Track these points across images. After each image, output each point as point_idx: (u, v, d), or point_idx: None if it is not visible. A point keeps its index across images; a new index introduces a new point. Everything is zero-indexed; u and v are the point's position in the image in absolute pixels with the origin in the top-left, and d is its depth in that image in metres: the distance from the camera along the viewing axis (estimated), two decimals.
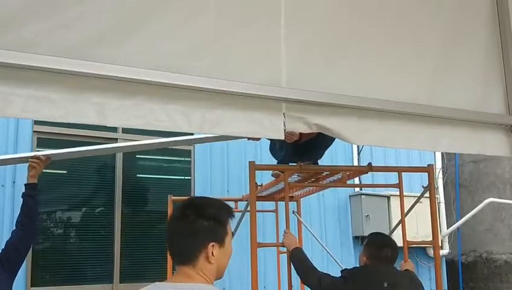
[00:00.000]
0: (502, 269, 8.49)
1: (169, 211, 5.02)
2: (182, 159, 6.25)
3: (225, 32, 2.30)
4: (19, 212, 3.15)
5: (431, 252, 7.66)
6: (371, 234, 3.45)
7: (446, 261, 8.05)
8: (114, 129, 5.67)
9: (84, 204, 5.74)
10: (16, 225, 3.12)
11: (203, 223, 1.63)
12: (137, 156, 6.05)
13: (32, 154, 3.52)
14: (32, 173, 3.23)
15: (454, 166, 9.28)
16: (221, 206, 1.73)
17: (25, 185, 3.20)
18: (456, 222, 8.30)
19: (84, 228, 5.68)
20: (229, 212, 1.75)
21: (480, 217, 8.48)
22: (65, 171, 5.60)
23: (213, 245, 1.63)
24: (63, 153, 3.97)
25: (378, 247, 3.17)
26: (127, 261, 5.61)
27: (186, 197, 5.50)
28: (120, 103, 2.07)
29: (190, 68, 2.16)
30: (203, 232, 1.63)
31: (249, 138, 4.07)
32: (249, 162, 3.41)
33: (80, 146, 5.42)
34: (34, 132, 5.35)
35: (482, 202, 8.25)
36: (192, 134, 5.81)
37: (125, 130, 5.74)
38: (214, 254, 1.62)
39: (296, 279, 3.48)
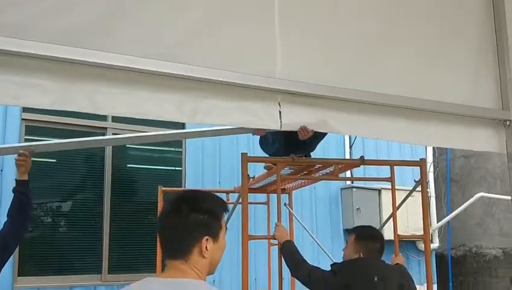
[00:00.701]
0: (491, 264, 8.54)
1: (160, 202, 4.99)
2: (173, 149, 6.21)
3: (219, 21, 2.27)
4: (10, 205, 3.09)
5: (421, 245, 7.68)
6: (357, 226, 3.45)
7: (436, 255, 8.09)
8: (103, 118, 5.61)
9: (73, 193, 5.68)
10: (7, 217, 3.07)
11: (197, 217, 1.59)
12: (127, 145, 5.99)
13: (19, 145, 3.44)
14: (22, 170, 3.13)
15: (445, 160, 9.31)
16: (216, 200, 1.70)
17: (17, 181, 3.13)
18: (447, 216, 8.33)
19: (73, 218, 5.62)
20: (224, 207, 1.72)
21: (470, 212, 8.52)
22: (54, 160, 5.54)
23: (207, 239, 1.60)
24: (51, 144, 3.91)
25: (370, 239, 3.16)
26: (115, 252, 5.58)
27: (177, 188, 5.50)
28: (111, 91, 2.03)
29: (183, 57, 2.13)
30: (198, 226, 1.59)
31: (253, 133, 4.02)
32: (242, 154, 3.37)
33: (68, 134, 5.40)
34: (22, 119, 5.27)
35: (472, 196, 8.29)
36: (183, 123, 5.80)
37: (115, 119, 5.68)
38: (207, 249, 1.59)
39: (286, 271, 3.47)
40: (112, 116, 5.65)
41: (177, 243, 1.58)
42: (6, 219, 3.05)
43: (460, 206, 8.30)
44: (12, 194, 3.10)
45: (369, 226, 3.55)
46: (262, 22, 2.36)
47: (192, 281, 1.54)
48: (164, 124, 5.81)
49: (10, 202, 3.08)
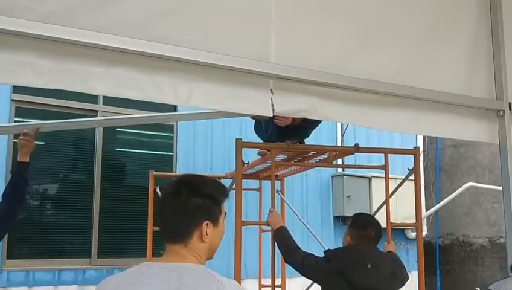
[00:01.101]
0: (477, 253, 8.63)
1: (151, 186, 4.97)
2: (164, 134, 6.18)
3: (214, 4, 2.23)
4: (6, 186, 3.01)
5: (409, 234, 7.76)
6: (355, 214, 3.44)
7: (424, 244, 8.15)
8: (94, 100, 5.57)
9: (63, 177, 5.66)
10: (1, 198, 2.99)
11: (198, 201, 1.58)
12: (118, 129, 5.95)
13: (16, 125, 3.35)
14: (24, 150, 2.97)
15: (435, 150, 9.36)
16: (216, 185, 1.70)
17: (17, 162, 2.99)
18: (435, 205, 8.39)
19: (63, 201, 5.59)
20: (224, 192, 1.72)
21: (458, 201, 8.58)
22: (43, 143, 5.49)
23: (207, 224, 1.59)
24: (44, 124, 3.85)
25: (361, 226, 3.16)
26: (105, 236, 5.56)
27: (168, 173, 5.48)
28: (106, 72, 2.00)
29: (177, 39, 2.09)
30: (198, 210, 1.59)
31: (251, 117, 3.97)
32: (236, 139, 3.35)
33: (59, 116, 5.35)
34: (12, 100, 5.21)
35: (461, 186, 8.34)
36: (175, 107, 5.76)
37: (106, 102, 5.63)
38: (207, 233, 1.58)
39: (278, 257, 3.48)
40: (103, 99, 5.60)
41: (178, 227, 1.58)
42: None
43: (448, 195, 8.36)
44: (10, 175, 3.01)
45: (365, 213, 3.55)
46: (259, 7, 2.33)
47: (192, 265, 1.54)
48: (155, 108, 5.78)
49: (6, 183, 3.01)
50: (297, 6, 2.42)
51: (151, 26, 2.07)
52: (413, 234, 7.70)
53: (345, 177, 7.04)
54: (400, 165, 6.50)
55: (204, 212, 1.59)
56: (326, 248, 3.37)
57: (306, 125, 3.70)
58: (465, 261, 8.76)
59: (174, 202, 1.59)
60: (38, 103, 5.32)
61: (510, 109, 2.83)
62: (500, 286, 1.66)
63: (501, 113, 2.83)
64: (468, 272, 8.71)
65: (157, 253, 3.69)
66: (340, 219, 7.14)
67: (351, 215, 6.84)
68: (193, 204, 1.58)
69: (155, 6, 2.10)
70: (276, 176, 4.83)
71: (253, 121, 4.19)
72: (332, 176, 7.17)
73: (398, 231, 7.42)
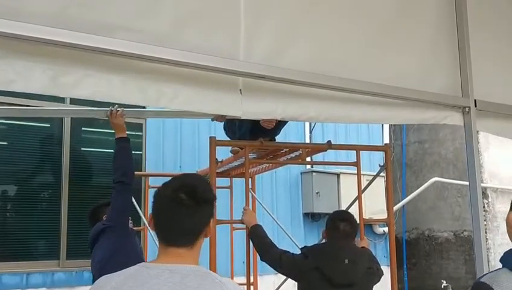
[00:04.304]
0: (442, 246, 8.83)
1: None
2: (133, 133, 6.11)
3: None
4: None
5: (377, 229, 7.87)
6: (333, 211, 3.47)
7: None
8: (62, 100, 5.46)
9: (29, 177, 5.52)
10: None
11: (208, 207, 1.59)
12: (85, 128, 5.86)
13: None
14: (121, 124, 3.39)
15: (400, 146, 9.52)
16: (209, 185, 1.73)
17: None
18: (401, 200, 8.54)
19: (29, 202, 5.46)
20: None
21: (423, 196, 8.76)
22: (5, 143, 5.37)
23: (211, 221, 1.62)
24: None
25: (337, 221, 3.18)
26: (74, 237, 5.46)
27: (138, 173, 5.41)
28: (73, 72, 1.96)
29: (144, 35, 2.04)
30: (209, 215, 1.60)
31: (212, 119, 3.98)
32: (210, 137, 3.34)
33: (26, 117, 5.24)
34: None
35: (426, 181, 8.52)
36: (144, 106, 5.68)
37: (73, 102, 5.53)
38: (208, 233, 1.61)
39: (250, 255, 3.49)
40: (70, 99, 5.50)
41: (187, 234, 1.56)
42: None
43: (414, 190, 8.53)
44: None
45: (343, 210, 3.57)
46: (227, 3, 2.32)
47: (193, 266, 1.52)
48: (123, 107, 5.69)
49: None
50: (266, 2, 2.41)
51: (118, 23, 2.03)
52: (380, 229, 7.82)
53: (314, 173, 7.09)
54: (368, 161, 6.60)
55: (211, 215, 1.61)
56: (296, 245, 3.39)
57: (278, 122, 3.72)
58: (431, 255, 8.96)
59: (184, 212, 1.55)
60: (3, 103, 5.18)
61: (475, 106, 2.90)
62: (491, 278, 1.69)
63: (467, 110, 2.90)
64: (433, 265, 8.91)
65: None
66: (309, 216, 7.19)
67: (320, 211, 7.00)
68: (206, 213, 1.59)
69: (124, 3, 2.06)
70: None
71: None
72: (301, 173, 7.22)
73: (366, 226, 7.51)
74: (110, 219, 3.29)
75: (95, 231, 3.40)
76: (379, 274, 3.23)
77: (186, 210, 1.54)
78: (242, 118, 2.37)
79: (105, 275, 1.54)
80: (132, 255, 3.15)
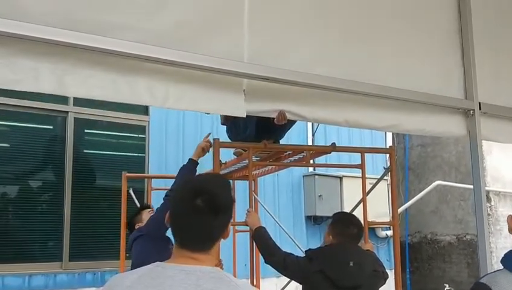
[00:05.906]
0: (445, 250, 8.81)
1: (124, 188, 4.91)
2: (136, 135, 6.12)
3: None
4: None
5: (380, 232, 7.86)
6: (337, 213, 3.44)
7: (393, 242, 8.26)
8: (65, 101, 5.47)
9: (33, 179, 5.53)
10: None
11: (224, 217, 1.54)
12: (89, 131, 5.86)
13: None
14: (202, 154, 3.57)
15: (403, 149, 9.51)
16: (229, 190, 1.63)
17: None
18: (404, 203, 8.52)
19: (32, 204, 5.47)
20: None
21: (426, 199, 8.74)
22: (9, 145, 5.38)
23: (227, 230, 1.57)
24: None
25: (344, 225, 3.15)
26: (77, 239, 5.46)
27: (141, 175, 5.41)
28: (80, 72, 1.97)
29: (149, 37, 2.06)
30: (229, 219, 1.56)
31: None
32: (214, 139, 3.33)
33: (29, 118, 5.26)
34: None
35: (429, 184, 8.51)
36: (146, 108, 5.72)
37: (76, 103, 5.55)
38: (226, 235, 1.57)
39: (251, 258, 3.47)
40: (74, 100, 5.52)
41: (204, 240, 1.52)
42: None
43: (416, 194, 8.50)
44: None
45: (347, 212, 3.54)
46: (232, 5, 2.33)
47: (210, 268, 1.49)
48: (127, 109, 5.73)
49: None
50: (271, 5, 2.42)
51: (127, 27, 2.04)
52: (383, 233, 7.81)
53: (316, 176, 7.07)
54: (370, 164, 6.59)
55: (229, 219, 1.57)
56: (299, 248, 3.36)
57: (283, 124, 3.70)
58: (433, 258, 8.94)
59: (199, 218, 1.50)
60: (5, 104, 5.19)
61: (480, 109, 2.90)
62: (491, 278, 1.70)
63: (471, 112, 2.90)
64: (436, 269, 8.88)
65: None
66: (311, 219, 7.18)
67: (323, 214, 6.97)
68: (226, 217, 1.55)
69: (131, 6, 2.07)
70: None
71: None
72: (303, 176, 7.21)
73: (369, 229, 7.51)
74: (148, 227, 3.52)
75: (130, 238, 3.69)
76: (384, 277, 3.21)
77: (203, 218, 1.49)
78: (245, 116, 2.37)
79: (120, 274, 1.51)
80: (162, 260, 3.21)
